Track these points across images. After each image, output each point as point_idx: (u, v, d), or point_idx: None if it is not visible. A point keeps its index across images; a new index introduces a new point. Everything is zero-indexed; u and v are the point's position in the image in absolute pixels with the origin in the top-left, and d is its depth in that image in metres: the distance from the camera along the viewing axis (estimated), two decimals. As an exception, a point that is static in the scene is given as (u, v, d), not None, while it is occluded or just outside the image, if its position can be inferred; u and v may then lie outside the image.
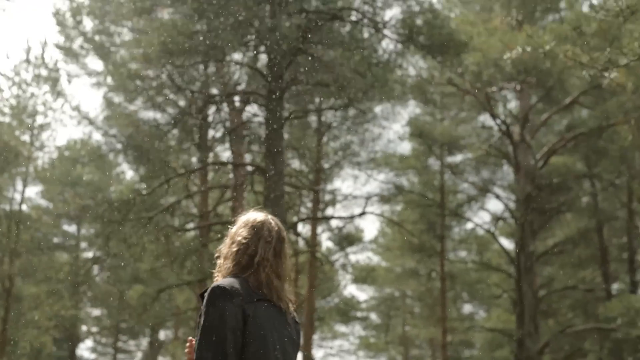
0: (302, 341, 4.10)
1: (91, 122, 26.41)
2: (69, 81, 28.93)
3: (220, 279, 3.76)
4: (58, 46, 27.09)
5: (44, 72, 27.63)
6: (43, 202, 32.84)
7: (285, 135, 28.58)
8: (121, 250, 19.11)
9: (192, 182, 23.40)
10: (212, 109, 22.23)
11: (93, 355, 41.53)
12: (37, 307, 25.69)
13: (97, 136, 45.00)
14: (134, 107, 24.79)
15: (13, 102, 27.50)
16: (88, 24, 26.23)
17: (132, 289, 27.32)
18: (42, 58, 27.59)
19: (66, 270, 25.74)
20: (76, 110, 26.77)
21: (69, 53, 26.59)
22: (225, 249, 3.86)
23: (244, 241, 3.80)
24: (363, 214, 18.08)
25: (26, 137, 27.66)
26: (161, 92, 21.70)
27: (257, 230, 3.82)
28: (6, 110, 27.51)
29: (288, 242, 3.94)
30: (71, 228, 35.90)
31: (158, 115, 24.14)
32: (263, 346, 3.59)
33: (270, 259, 3.77)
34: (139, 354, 40.90)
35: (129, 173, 37.00)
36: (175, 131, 22.97)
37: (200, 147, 22.39)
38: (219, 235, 21.41)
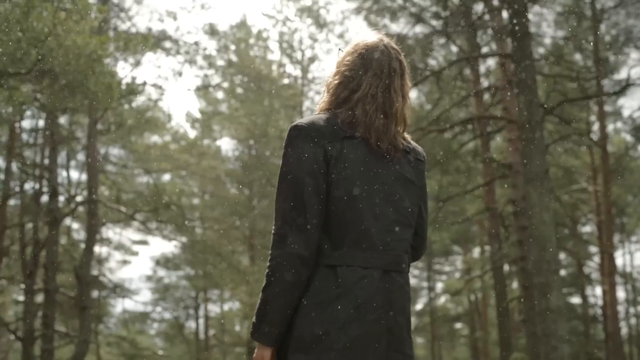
0: (424, 182, 3.34)
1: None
2: (328, 10, 28.87)
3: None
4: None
5: (305, 4, 27.93)
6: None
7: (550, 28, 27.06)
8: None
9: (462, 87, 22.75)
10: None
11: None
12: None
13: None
14: (397, 26, 24.41)
15: (279, 39, 28.14)
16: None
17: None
18: (302, -9, 27.93)
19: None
20: (340, 38, 26.79)
21: (325, -19, 26.64)
22: (329, 79, 3.24)
23: (347, 73, 3.16)
24: (627, 86, 16.19)
25: (297, 72, 28.25)
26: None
27: (365, 59, 3.16)
28: (274, 47, 28.21)
29: (406, 75, 3.22)
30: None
31: (423, 30, 23.70)
32: (349, 190, 2.99)
33: (376, 94, 3.11)
34: (456, 274, 40.82)
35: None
36: (441, 40, 22.45)
37: (464, 50, 21.55)
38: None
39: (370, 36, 3.23)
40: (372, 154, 3.08)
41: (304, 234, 2.93)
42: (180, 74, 23.41)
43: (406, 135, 3.29)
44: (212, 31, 27.51)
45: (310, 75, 28.46)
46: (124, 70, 23.70)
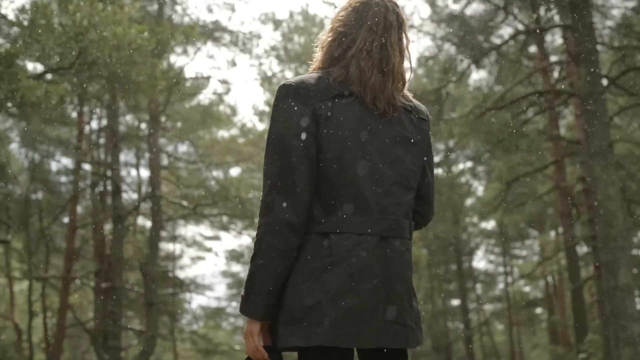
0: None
1: (419, 29, 25.73)
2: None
3: None
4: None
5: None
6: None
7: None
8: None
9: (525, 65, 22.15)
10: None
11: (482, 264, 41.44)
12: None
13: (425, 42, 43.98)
14: (457, 6, 24.03)
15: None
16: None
17: (489, 187, 26.52)
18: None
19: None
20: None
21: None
22: (323, 37, 3.04)
23: (341, 29, 2.96)
24: None
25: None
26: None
27: (359, 13, 2.97)
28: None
29: (404, 28, 3.01)
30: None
31: (484, 7, 23.29)
32: (341, 151, 2.78)
33: (372, 50, 2.89)
34: (534, 258, 39.94)
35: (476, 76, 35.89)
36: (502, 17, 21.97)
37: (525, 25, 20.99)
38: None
39: None
40: (367, 113, 2.88)
41: (292, 199, 2.75)
42: (234, 64, 23.32)
43: (407, 92, 3.06)
44: (272, 21, 27.34)
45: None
46: (176, 62, 23.68)
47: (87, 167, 26.36)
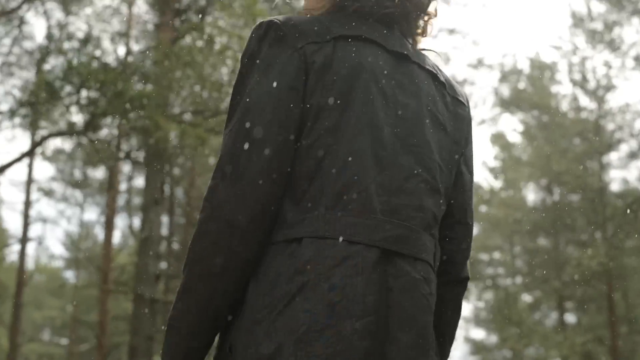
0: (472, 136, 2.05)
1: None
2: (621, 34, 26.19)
3: None
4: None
5: (595, 28, 25.63)
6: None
7: None
8: None
9: None
10: None
11: None
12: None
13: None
14: None
15: (569, 70, 26.09)
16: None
17: None
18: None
19: None
20: (637, 61, 24.28)
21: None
22: None
23: None
24: None
25: (593, 104, 25.86)
26: None
27: None
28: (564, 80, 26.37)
29: None
30: None
31: None
32: (340, 119, 1.78)
33: None
34: None
35: None
36: None
37: None
38: None
39: None
40: (385, 65, 1.84)
41: (241, 186, 1.72)
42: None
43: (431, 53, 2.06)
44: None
45: (606, 106, 26.05)
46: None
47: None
